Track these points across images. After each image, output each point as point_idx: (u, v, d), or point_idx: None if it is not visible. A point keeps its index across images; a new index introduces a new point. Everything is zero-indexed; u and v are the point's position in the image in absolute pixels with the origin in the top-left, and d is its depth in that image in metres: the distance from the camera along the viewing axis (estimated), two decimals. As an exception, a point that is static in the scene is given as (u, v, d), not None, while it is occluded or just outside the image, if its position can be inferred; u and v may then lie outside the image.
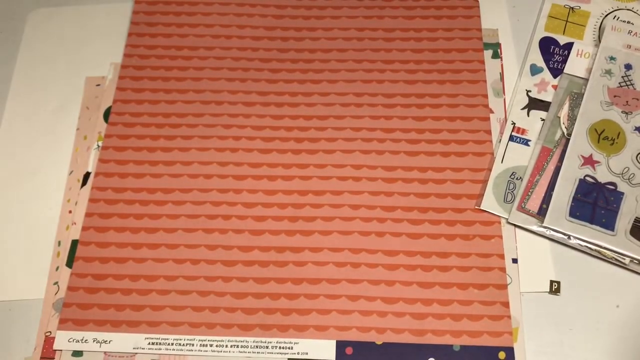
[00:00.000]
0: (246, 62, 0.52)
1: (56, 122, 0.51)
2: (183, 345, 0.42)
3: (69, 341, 0.42)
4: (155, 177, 0.47)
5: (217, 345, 0.42)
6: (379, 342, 0.41)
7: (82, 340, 0.42)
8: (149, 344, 0.42)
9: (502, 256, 0.44)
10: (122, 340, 0.42)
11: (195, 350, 0.42)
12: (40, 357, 0.42)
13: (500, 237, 0.44)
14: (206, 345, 0.42)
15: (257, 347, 0.42)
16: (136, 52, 0.53)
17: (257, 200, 0.46)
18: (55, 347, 0.42)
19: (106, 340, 0.42)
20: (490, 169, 0.46)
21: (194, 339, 0.42)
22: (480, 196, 0.46)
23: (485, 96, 0.49)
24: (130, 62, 0.52)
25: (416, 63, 0.51)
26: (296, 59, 0.52)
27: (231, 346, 0.42)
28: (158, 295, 0.44)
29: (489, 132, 0.48)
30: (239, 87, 0.51)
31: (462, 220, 0.45)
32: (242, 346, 0.42)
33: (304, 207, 0.46)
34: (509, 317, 0.42)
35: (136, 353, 0.42)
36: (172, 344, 0.42)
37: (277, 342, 0.42)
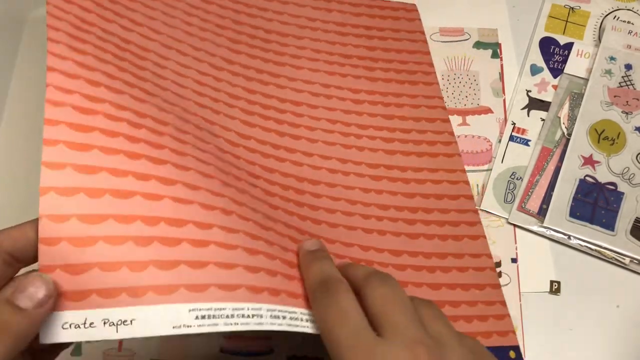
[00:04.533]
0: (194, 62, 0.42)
1: (56, 122, 0.51)
2: (248, 317, 0.28)
3: (63, 327, 0.25)
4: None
5: (290, 318, 0.30)
6: None
7: (84, 324, 0.25)
8: (196, 318, 0.27)
9: (489, 256, 0.43)
10: (150, 319, 0.26)
11: (267, 324, 0.29)
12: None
13: (484, 237, 0.43)
14: (278, 317, 0.29)
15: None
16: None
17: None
18: (41, 340, 0.25)
19: (124, 321, 0.25)
20: (462, 171, 0.46)
21: (261, 308, 0.29)
22: (474, 196, 0.46)
23: (441, 98, 0.48)
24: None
25: (372, 60, 0.49)
26: (247, 64, 0.45)
27: (306, 320, 0.30)
28: None
29: (452, 133, 0.47)
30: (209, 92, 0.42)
31: (449, 221, 0.44)
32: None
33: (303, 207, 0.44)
34: (509, 315, 0.41)
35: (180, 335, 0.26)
36: (231, 316, 0.28)
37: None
